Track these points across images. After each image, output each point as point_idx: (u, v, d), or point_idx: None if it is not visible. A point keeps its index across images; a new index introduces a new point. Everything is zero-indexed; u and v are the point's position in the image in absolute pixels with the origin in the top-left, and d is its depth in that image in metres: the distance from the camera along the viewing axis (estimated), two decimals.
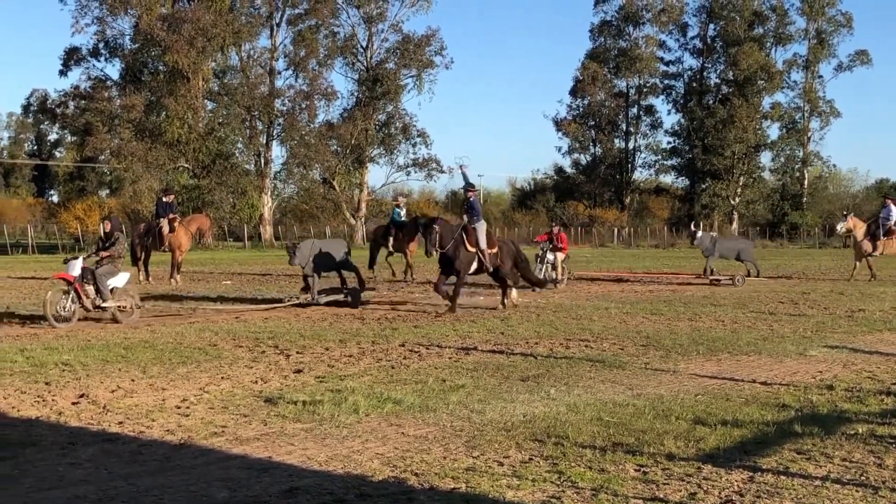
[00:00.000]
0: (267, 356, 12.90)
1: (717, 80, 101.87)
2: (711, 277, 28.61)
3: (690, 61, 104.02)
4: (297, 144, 78.15)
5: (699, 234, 30.37)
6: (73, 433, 8.24)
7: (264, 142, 79.68)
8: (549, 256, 26.66)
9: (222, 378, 11.04)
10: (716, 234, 30.71)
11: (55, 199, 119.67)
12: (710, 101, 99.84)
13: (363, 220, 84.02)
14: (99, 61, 78.67)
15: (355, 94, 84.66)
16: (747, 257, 30.39)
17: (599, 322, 17.50)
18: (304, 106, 79.30)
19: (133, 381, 10.79)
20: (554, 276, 26.53)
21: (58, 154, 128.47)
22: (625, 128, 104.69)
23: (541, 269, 26.05)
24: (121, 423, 8.65)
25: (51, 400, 9.63)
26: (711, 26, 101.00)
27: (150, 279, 28.48)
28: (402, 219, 30.08)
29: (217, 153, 73.62)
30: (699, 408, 9.24)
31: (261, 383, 10.73)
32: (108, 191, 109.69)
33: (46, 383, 10.55)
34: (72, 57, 77.92)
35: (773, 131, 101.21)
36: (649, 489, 6.56)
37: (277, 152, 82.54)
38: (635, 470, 7.04)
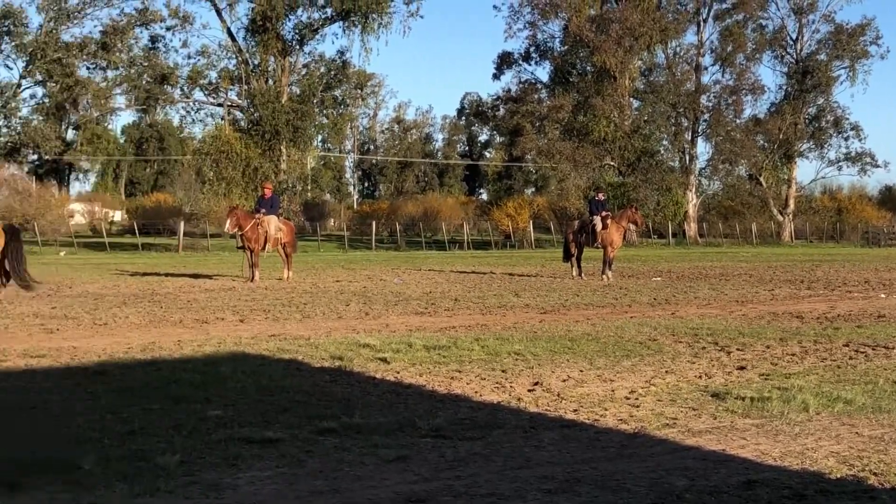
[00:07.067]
0: (707, 352, 12.99)
1: None
2: None
3: None
4: (723, 140, 77.67)
5: None
6: (532, 418, 8.72)
7: (689, 138, 79.67)
8: None
9: (666, 372, 11.28)
10: None
11: (484, 197, 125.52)
12: None
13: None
14: (529, 64, 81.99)
15: (783, 87, 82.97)
16: None
17: None
18: (730, 101, 78.89)
19: (581, 371, 11.26)
20: None
21: (487, 154, 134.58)
22: None
23: None
24: (575, 410, 9.07)
25: (508, 386, 10.25)
26: None
27: (584, 276, 29.29)
28: None
29: (642, 150, 74.36)
30: None
31: (705, 378, 10.86)
32: (533, 189, 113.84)
33: (503, 371, 11.22)
34: (504, 61, 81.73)
35: None
36: None
37: (702, 148, 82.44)
38: None
